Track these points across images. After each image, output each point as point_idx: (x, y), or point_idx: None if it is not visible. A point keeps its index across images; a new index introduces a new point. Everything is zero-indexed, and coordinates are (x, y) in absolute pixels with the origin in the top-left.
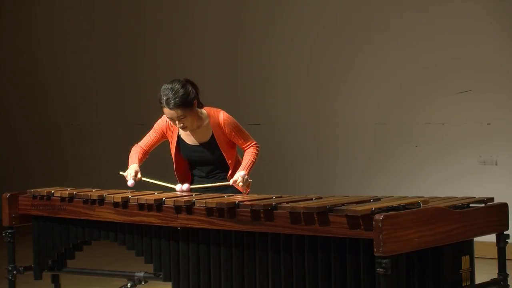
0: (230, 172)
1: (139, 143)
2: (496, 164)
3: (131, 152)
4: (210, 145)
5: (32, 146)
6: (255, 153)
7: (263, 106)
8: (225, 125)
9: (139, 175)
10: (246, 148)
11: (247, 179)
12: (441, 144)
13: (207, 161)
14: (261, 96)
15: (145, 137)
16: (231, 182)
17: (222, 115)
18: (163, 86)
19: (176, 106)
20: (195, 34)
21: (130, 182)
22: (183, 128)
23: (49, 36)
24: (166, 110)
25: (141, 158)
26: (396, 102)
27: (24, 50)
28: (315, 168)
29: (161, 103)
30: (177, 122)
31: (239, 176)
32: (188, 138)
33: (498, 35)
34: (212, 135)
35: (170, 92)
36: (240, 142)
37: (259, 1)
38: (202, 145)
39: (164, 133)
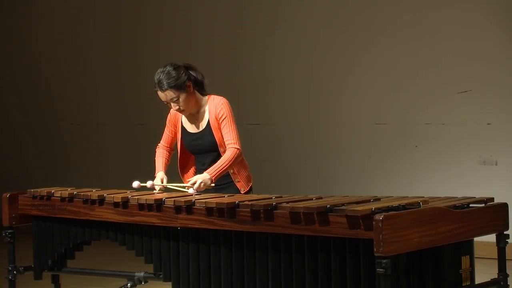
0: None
1: (161, 141)
2: (496, 164)
3: (156, 155)
4: (206, 131)
5: (32, 146)
6: (232, 159)
7: (263, 106)
8: (217, 106)
9: (164, 182)
10: (227, 146)
11: (208, 184)
12: (441, 144)
13: (204, 149)
14: (261, 96)
15: (163, 134)
16: (189, 183)
17: (219, 100)
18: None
19: (168, 87)
20: (195, 34)
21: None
22: (180, 111)
23: (49, 35)
24: (159, 93)
25: (167, 159)
26: (396, 102)
27: (24, 50)
28: (315, 168)
29: (155, 87)
30: (172, 104)
31: (200, 178)
32: (189, 126)
33: (498, 35)
34: (208, 121)
35: (161, 75)
36: (224, 132)
37: (260, 1)
38: (199, 132)
39: (175, 124)
